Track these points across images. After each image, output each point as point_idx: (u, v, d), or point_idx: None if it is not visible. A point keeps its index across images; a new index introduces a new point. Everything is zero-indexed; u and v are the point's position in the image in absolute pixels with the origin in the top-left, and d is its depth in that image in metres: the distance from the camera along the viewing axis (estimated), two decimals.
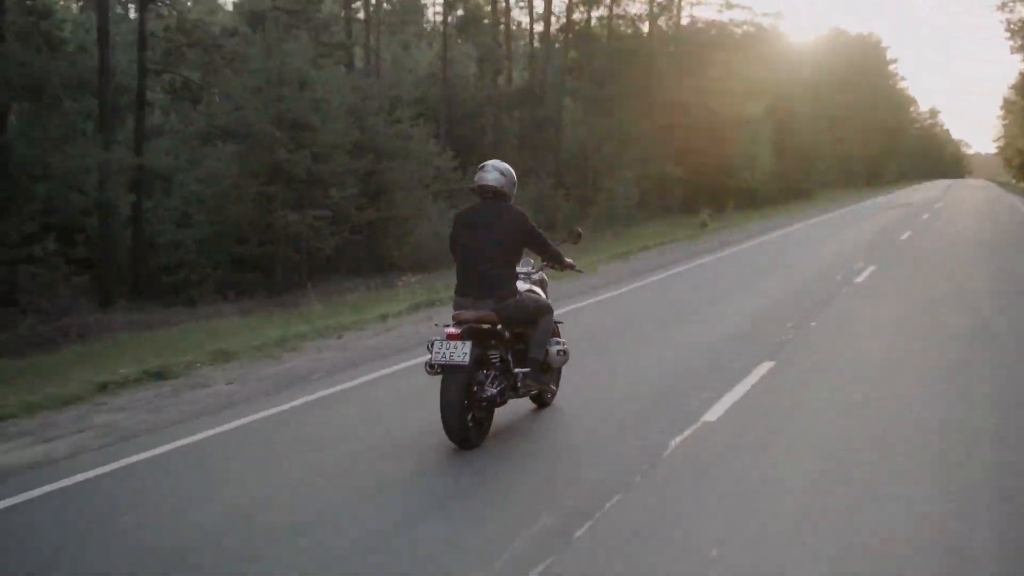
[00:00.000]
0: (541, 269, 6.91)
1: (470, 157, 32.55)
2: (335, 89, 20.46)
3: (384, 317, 11.68)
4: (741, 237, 25.32)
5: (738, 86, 42.97)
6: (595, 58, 35.76)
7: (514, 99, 32.22)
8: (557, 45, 34.63)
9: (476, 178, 6.29)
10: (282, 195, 18.60)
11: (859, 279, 14.71)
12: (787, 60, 56.69)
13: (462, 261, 6.20)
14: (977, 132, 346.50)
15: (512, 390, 6.24)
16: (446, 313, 12.44)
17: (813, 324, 10.55)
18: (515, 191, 6.39)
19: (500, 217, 6.16)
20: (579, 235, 7.10)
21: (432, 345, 5.81)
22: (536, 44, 37.29)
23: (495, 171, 6.25)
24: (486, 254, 6.07)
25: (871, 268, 16.11)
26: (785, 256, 19.69)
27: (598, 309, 12.59)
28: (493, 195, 6.23)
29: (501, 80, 36.18)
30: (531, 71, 33.48)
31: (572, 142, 35.76)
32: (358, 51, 38.34)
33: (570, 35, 34.07)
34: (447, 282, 18.46)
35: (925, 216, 31.78)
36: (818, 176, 58.45)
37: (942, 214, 33.64)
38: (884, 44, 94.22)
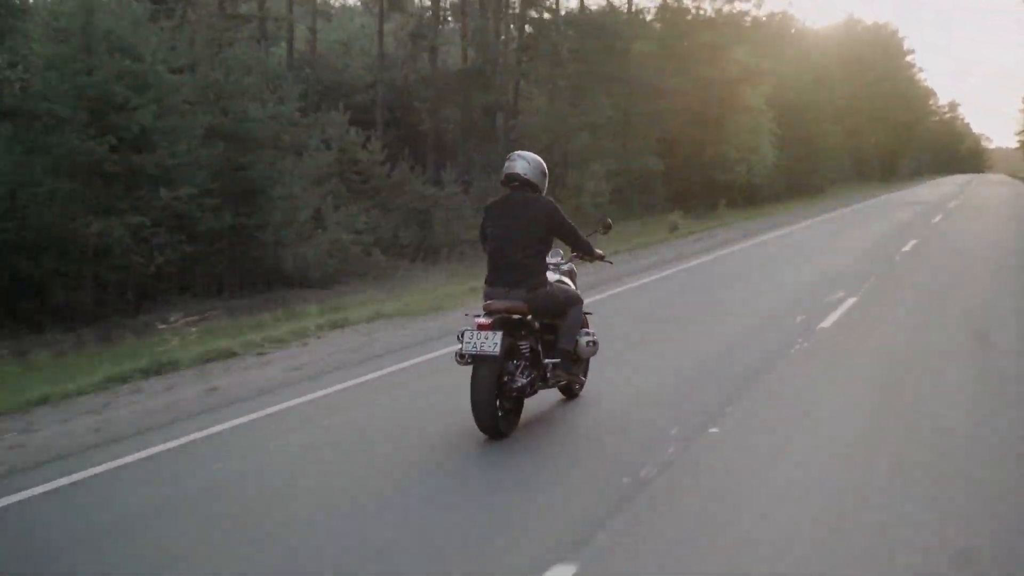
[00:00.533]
0: (570, 260, 6.87)
1: (404, 149, 28.19)
2: (176, 59, 15.90)
3: (42, 401, 7.25)
4: (710, 245, 20.81)
5: (733, 71, 38.78)
6: (560, 36, 31.14)
7: (457, 81, 27.61)
8: (512, 25, 29.84)
9: (504, 168, 6.26)
10: (86, 195, 14.15)
11: (826, 322, 10.21)
12: (793, 46, 52.47)
13: (492, 251, 6.14)
14: (999, 126, 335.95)
15: (542, 381, 6.20)
16: (149, 388, 8.18)
17: (713, 430, 6.10)
18: (546, 182, 6.30)
19: (529, 207, 6.11)
20: (609, 226, 7.17)
21: (463, 335, 5.78)
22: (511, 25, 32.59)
23: (522, 160, 6.23)
24: (516, 244, 6.04)
25: (850, 301, 11.62)
26: (743, 279, 15.12)
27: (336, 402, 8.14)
28: (521, 184, 6.17)
29: (454, 60, 31.68)
30: (478, 48, 28.85)
31: (535, 131, 31.11)
32: (298, 29, 34.06)
33: (527, 8, 29.34)
34: (267, 312, 14.06)
35: (937, 218, 27.09)
36: (829, 170, 53.87)
37: (956, 216, 28.93)
38: (901, 35, 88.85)
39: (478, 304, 12.45)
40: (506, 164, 6.25)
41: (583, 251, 6.55)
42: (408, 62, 28.97)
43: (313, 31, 32.63)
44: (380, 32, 29.41)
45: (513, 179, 6.18)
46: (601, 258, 6.77)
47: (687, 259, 17.63)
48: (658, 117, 35.53)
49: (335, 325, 10.60)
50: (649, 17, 39.51)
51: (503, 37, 29.33)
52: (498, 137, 28.57)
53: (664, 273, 15.26)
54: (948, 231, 22.93)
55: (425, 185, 26.47)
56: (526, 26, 28.69)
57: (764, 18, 50.85)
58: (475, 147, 27.93)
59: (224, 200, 17.29)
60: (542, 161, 6.30)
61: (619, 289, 13.40)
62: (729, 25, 41.70)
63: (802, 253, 18.97)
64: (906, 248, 18.29)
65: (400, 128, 31.24)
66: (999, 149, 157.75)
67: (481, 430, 5.77)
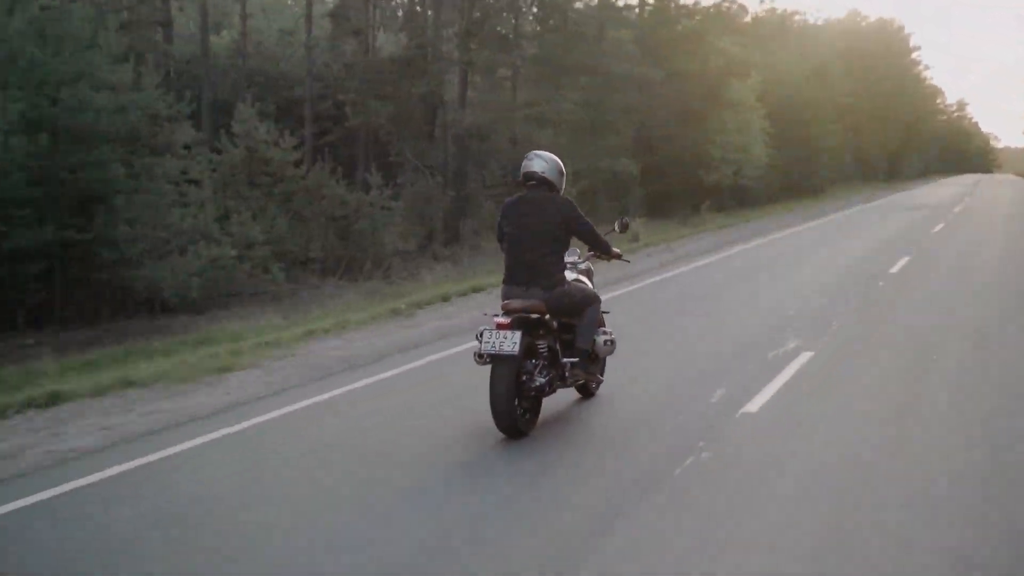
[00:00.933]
0: (588, 259, 6.83)
1: (327, 149, 24.83)
2: None
3: None
4: (659, 263, 17.18)
5: (719, 63, 35.52)
6: (512, 18, 27.72)
7: (390, 70, 24.17)
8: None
9: (522, 167, 6.24)
10: None
11: (755, 403, 6.82)
12: (793, 41, 49.25)
13: (510, 250, 6.15)
14: (1005, 124, 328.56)
15: (560, 380, 6.18)
16: None
17: None
18: (564, 181, 6.29)
19: (547, 206, 6.09)
20: (627, 225, 7.16)
21: (482, 335, 5.74)
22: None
23: (539, 159, 6.22)
24: (532, 243, 6.02)
25: (803, 358, 8.27)
26: (669, 320, 11.58)
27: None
28: (538, 183, 6.16)
29: (391, 45, 28.25)
30: (413, 32, 25.42)
31: (485, 127, 27.63)
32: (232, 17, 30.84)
33: None
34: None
35: (938, 227, 23.62)
36: (829, 170, 50.53)
37: (960, 223, 25.48)
38: (908, 31, 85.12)
39: (313, 361, 8.94)
40: (523, 163, 6.26)
41: (600, 250, 6.57)
42: (329, 47, 25.44)
43: (243, 17, 29.28)
44: (309, 17, 26.01)
45: (530, 178, 6.20)
46: (619, 257, 6.75)
47: (617, 285, 14.03)
48: (635, 113, 32.22)
49: (32, 404, 7.18)
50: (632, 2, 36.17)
51: (445, 18, 25.77)
52: (439, 135, 25.11)
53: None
54: (949, 243, 19.49)
55: (350, 189, 23.09)
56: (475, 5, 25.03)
57: (763, 14, 47.77)
58: (411, 146, 24.51)
59: (48, 210, 13.94)
60: (559, 160, 6.28)
61: (461, 348, 8.96)
62: (722, 16, 38.58)
63: (767, 275, 15.48)
64: (895, 269, 14.86)
65: (343, 125, 27.88)
66: (1007, 149, 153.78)
67: (500, 430, 5.73)
